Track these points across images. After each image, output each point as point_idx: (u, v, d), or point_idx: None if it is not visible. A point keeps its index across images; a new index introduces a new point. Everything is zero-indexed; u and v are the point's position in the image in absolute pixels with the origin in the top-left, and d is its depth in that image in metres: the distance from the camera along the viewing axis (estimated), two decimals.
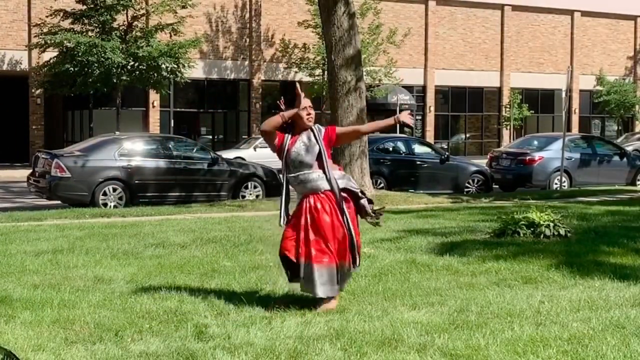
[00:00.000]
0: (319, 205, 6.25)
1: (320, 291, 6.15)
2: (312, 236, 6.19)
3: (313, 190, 6.32)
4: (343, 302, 6.39)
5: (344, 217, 6.32)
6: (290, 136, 6.40)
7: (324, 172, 6.34)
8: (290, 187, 6.50)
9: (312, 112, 6.44)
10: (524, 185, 21.29)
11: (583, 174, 21.32)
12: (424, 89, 40.84)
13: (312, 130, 6.41)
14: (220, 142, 36.10)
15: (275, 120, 6.32)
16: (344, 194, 6.36)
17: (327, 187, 6.31)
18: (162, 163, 16.66)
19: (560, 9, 44.12)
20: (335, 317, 5.88)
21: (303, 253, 6.18)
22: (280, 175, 6.66)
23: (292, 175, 6.37)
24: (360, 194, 6.51)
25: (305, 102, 6.36)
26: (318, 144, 6.36)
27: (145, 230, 11.10)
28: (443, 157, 20.42)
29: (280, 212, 6.42)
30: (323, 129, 6.51)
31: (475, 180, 20.45)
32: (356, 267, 6.46)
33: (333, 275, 6.18)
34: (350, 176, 6.75)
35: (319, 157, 6.35)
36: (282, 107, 6.41)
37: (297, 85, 6.53)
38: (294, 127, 6.43)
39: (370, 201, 6.62)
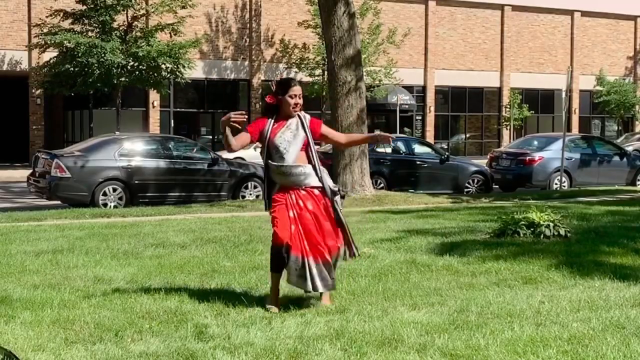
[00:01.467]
0: (301, 203, 6.14)
1: (321, 285, 6.15)
2: (301, 230, 6.11)
3: (295, 185, 6.19)
4: (343, 302, 6.39)
5: (335, 212, 6.22)
6: (273, 122, 6.24)
7: (313, 167, 6.23)
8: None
9: (300, 100, 6.28)
10: (524, 185, 21.30)
11: (583, 174, 21.33)
12: (424, 89, 40.85)
13: (299, 118, 6.28)
14: (220, 142, 36.10)
15: (230, 139, 6.12)
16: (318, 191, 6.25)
17: (314, 183, 6.19)
18: (162, 163, 16.67)
19: (560, 9, 44.13)
20: (335, 317, 5.88)
21: (299, 247, 6.10)
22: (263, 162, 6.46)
23: (275, 164, 6.21)
24: (338, 191, 6.36)
25: (296, 90, 6.24)
26: (305, 132, 6.24)
27: (145, 230, 11.11)
28: (443, 157, 20.43)
29: (265, 199, 6.32)
30: (308, 118, 6.36)
31: (475, 180, 20.45)
32: (351, 256, 6.41)
33: (321, 270, 6.15)
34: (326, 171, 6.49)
35: (306, 148, 6.24)
36: (273, 87, 6.37)
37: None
38: (279, 112, 6.28)
39: (342, 197, 6.43)
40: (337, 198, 6.29)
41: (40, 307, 6.19)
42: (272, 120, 6.25)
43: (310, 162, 6.25)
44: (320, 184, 6.23)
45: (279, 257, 6.11)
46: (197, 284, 7.18)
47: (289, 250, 6.06)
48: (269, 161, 6.24)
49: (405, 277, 7.45)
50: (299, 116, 6.28)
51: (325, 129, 6.52)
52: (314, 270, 6.10)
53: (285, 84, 6.31)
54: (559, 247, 8.94)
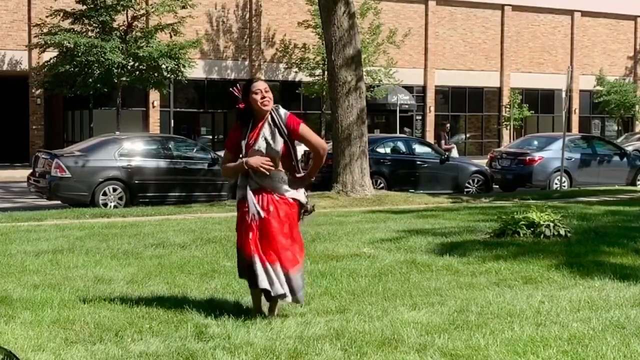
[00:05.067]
0: (271, 208, 5.73)
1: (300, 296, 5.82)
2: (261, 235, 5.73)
3: (268, 190, 5.78)
4: (343, 302, 6.40)
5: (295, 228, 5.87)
6: (249, 129, 5.79)
7: (292, 174, 5.84)
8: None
9: (268, 94, 5.74)
10: (524, 185, 21.30)
11: (583, 174, 21.33)
12: (424, 89, 40.84)
13: (274, 120, 5.76)
14: (220, 142, 36.09)
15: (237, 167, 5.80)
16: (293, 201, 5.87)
17: (288, 194, 5.80)
18: (162, 163, 16.66)
19: (560, 9, 44.12)
20: (335, 317, 5.88)
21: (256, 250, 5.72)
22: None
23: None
24: (305, 204, 5.94)
25: (258, 85, 5.75)
26: (282, 136, 5.75)
27: (145, 230, 11.11)
28: (443, 157, 20.43)
29: (256, 208, 5.76)
30: (284, 116, 5.79)
31: (475, 180, 20.45)
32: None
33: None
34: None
35: (286, 154, 5.78)
36: (236, 93, 5.88)
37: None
38: (254, 115, 5.79)
39: (310, 212, 6.00)
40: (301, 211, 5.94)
41: (40, 307, 6.19)
42: (249, 129, 5.81)
43: (288, 168, 5.84)
44: (294, 196, 5.84)
45: (243, 267, 5.83)
46: (197, 284, 7.18)
47: (247, 256, 5.75)
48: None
49: (405, 277, 7.45)
50: (273, 118, 5.76)
51: (304, 130, 5.86)
52: (271, 271, 5.70)
53: (247, 84, 5.85)
54: (559, 247, 8.94)
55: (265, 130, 5.77)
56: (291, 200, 5.83)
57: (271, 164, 5.74)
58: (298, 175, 5.89)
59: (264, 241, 5.73)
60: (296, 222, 5.88)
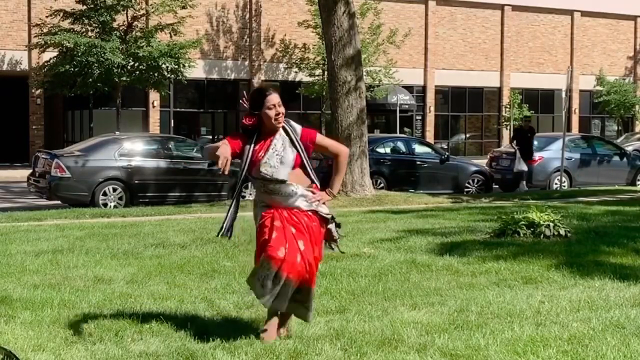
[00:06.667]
0: (285, 214, 5.31)
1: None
2: (302, 246, 5.26)
3: (282, 205, 5.35)
4: (343, 302, 6.40)
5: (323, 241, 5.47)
6: (253, 144, 5.34)
7: (307, 188, 5.40)
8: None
9: (281, 109, 5.31)
10: None
11: (583, 174, 21.34)
12: (424, 89, 40.83)
13: (287, 133, 5.37)
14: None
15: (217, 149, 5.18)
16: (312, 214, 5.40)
17: (304, 207, 5.33)
18: (162, 163, 16.67)
19: (560, 9, 44.12)
20: (335, 317, 5.88)
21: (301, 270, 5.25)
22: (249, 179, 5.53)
23: (260, 183, 5.40)
24: (330, 219, 5.49)
25: (273, 99, 5.26)
26: (296, 148, 5.36)
27: (145, 230, 11.11)
28: (443, 157, 20.43)
29: (224, 223, 5.62)
30: (299, 130, 5.42)
31: (475, 180, 20.45)
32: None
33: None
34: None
35: (300, 166, 5.39)
36: (246, 104, 5.42)
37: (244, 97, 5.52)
38: (260, 128, 5.35)
39: (338, 225, 5.57)
40: (332, 227, 5.50)
41: (40, 307, 6.19)
42: (253, 142, 5.34)
43: (303, 180, 5.42)
44: (311, 209, 5.38)
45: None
46: (197, 284, 7.18)
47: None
48: (254, 181, 5.46)
49: (405, 277, 7.45)
50: (285, 130, 5.37)
51: (320, 140, 5.52)
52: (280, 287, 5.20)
53: (259, 96, 5.30)
54: (559, 247, 8.95)
55: (277, 142, 5.33)
56: (310, 213, 5.36)
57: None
58: (317, 192, 5.43)
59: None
60: (313, 233, 5.35)
